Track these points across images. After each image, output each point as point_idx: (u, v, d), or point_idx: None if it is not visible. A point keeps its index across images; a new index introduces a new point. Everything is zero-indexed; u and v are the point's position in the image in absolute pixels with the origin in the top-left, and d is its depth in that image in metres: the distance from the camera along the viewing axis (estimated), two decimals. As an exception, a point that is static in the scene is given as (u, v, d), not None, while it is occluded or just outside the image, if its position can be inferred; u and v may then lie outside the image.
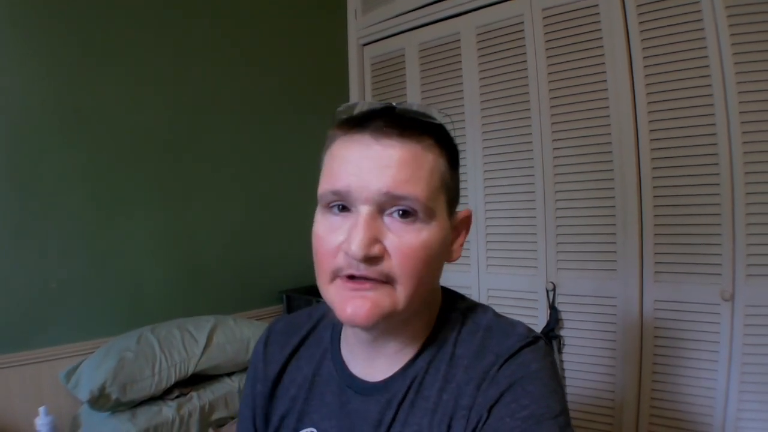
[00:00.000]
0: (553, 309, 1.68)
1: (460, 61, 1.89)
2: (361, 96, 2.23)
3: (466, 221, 0.60)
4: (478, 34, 1.83)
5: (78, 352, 1.44)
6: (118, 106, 1.57)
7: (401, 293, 0.50)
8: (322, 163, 0.54)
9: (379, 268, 0.49)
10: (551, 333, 1.66)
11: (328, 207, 0.52)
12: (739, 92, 1.35)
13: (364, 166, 0.50)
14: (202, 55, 1.78)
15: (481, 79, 1.83)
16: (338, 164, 0.51)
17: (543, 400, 0.49)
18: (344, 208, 0.51)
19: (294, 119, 2.03)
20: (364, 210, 0.49)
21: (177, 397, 1.38)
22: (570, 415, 0.52)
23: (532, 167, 1.72)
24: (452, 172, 0.56)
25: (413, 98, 2.03)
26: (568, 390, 1.68)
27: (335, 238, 0.51)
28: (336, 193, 0.51)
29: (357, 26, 2.21)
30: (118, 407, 1.29)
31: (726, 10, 1.35)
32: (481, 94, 1.83)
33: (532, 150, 1.72)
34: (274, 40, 2.01)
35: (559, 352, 1.68)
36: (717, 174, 1.40)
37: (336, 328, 0.64)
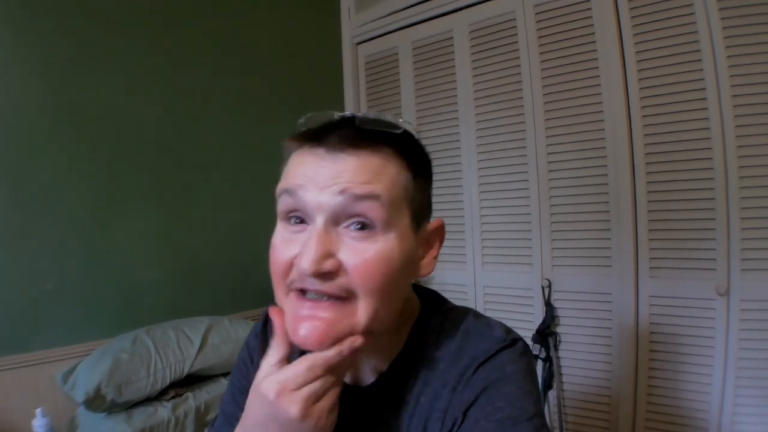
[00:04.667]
0: (548, 306, 1.67)
1: (454, 59, 1.88)
2: (355, 95, 2.23)
3: (439, 232, 0.56)
4: (471, 32, 1.83)
5: (74, 354, 1.44)
6: (112, 108, 1.58)
7: (362, 311, 0.47)
8: (281, 176, 0.53)
9: (336, 282, 0.47)
10: (547, 330, 1.66)
11: (287, 218, 0.50)
12: (732, 86, 1.34)
13: (319, 173, 0.48)
14: (195, 55, 1.78)
15: (474, 76, 1.83)
16: (293, 169, 0.50)
17: (518, 402, 0.49)
18: (302, 222, 0.49)
19: (289, 119, 2.01)
20: (319, 221, 0.47)
21: (172, 397, 1.39)
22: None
23: (526, 164, 1.72)
24: (418, 183, 0.52)
25: (407, 97, 2.03)
26: (564, 386, 1.68)
27: (290, 250, 0.48)
28: (290, 191, 0.49)
29: (350, 25, 2.21)
30: (114, 408, 1.30)
31: (718, 3, 1.34)
32: (474, 91, 1.83)
33: (525, 147, 1.72)
34: (268, 39, 2.01)
35: (556, 348, 1.67)
36: (711, 168, 1.39)
37: None
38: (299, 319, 0.47)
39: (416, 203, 0.52)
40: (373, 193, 0.47)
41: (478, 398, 0.50)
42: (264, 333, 0.67)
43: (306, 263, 0.45)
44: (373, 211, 0.47)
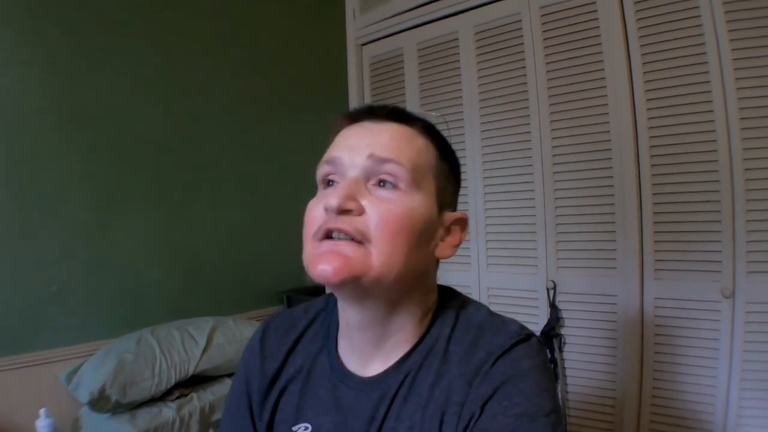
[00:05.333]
0: (553, 307, 1.67)
1: (459, 60, 1.88)
2: (360, 96, 2.22)
3: (461, 223, 0.61)
4: (476, 33, 1.83)
5: (78, 354, 1.44)
6: (112, 108, 1.57)
7: (376, 256, 0.51)
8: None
9: (354, 223, 0.51)
10: (552, 331, 1.66)
11: (323, 184, 0.57)
12: (738, 88, 1.35)
13: (357, 139, 0.56)
14: (199, 56, 1.78)
15: (479, 78, 1.83)
16: (336, 142, 0.58)
17: (535, 398, 0.50)
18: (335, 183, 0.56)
19: (293, 119, 2.03)
20: (351, 173, 0.54)
21: (177, 398, 1.38)
22: (563, 413, 0.52)
23: (531, 165, 1.72)
24: (444, 166, 0.59)
25: (412, 98, 2.03)
26: (569, 388, 1.68)
27: (322, 204, 0.54)
28: (329, 161, 0.56)
29: (355, 26, 2.21)
30: (118, 408, 1.29)
31: (723, 6, 1.35)
32: (479, 93, 1.83)
33: (531, 149, 1.72)
34: (272, 40, 2.01)
35: (560, 350, 1.67)
36: (716, 171, 1.39)
37: (333, 323, 0.64)
38: (318, 254, 0.52)
39: (441, 182, 0.58)
40: (396, 159, 0.54)
41: (496, 393, 0.51)
42: (262, 344, 0.67)
43: (333, 200, 0.51)
44: (398, 172, 0.53)
